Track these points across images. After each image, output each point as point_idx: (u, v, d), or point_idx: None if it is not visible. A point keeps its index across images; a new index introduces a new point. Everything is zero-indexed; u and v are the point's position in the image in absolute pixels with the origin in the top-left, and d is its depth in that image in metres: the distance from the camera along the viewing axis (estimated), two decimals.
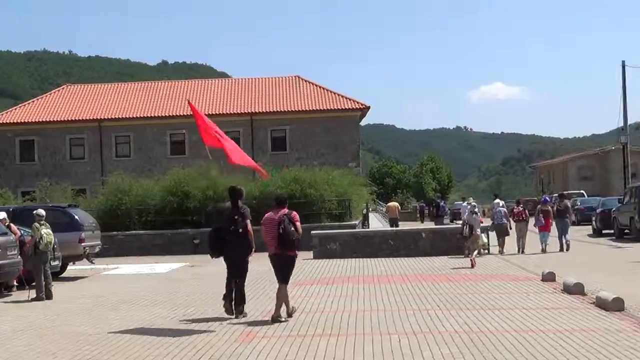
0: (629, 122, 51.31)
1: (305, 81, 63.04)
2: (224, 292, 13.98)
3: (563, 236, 28.94)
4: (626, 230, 34.99)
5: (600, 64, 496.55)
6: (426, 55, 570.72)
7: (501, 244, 28.57)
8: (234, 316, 13.69)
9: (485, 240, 27.73)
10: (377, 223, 54.62)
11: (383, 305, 14.69)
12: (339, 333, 11.85)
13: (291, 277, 13.98)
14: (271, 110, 59.04)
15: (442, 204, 49.34)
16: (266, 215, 13.90)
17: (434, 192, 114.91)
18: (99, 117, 59.07)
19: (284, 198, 14.26)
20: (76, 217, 24.27)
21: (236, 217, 13.85)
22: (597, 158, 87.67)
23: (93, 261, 24.77)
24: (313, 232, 29.14)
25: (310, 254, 27.63)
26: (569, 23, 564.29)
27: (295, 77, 63.94)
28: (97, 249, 25.22)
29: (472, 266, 22.63)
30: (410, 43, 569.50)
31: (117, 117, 59.22)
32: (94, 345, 11.47)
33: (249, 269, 14.30)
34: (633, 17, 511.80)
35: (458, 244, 26.82)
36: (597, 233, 38.91)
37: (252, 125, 58.55)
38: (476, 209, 25.71)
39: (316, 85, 62.35)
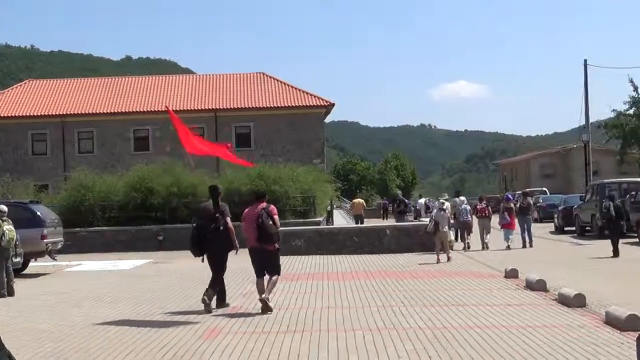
0: (591, 120, 51.88)
1: (270, 78, 62.95)
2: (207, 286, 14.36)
3: (526, 233, 29.42)
4: (587, 228, 35.38)
5: (562, 62, 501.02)
6: (390, 53, 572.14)
7: (465, 241, 28.91)
8: (209, 308, 13.97)
9: (452, 237, 28.09)
10: (341, 220, 54.66)
11: (347, 302, 14.73)
12: (304, 329, 11.86)
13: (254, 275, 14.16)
14: (235, 106, 58.89)
15: (406, 200, 49.52)
16: (246, 210, 14.27)
17: (397, 189, 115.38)
18: (61, 113, 58.50)
19: (262, 193, 14.91)
20: (38, 213, 24.03)
21: (217, 215, 14.22)
22: (559, 156, 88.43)
23: (55, 258, 24.53)
24: None
25: None
26: (532, 21, 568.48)
27: (260, 73, 63.81)
28: (59, 246, 24.98)
29: (438, 262, 23.20)
30: (375, 40, 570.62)
31: (80, 112, 58.69)
32: (57, 342, 11.38)
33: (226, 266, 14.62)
34: (596, 17, 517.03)
35: (422, 240, 26.99)
36: (559, 230, 39.30)
37: (216, 121, 58.35)
38: (444, 207, 25.89)
39: (281, 82, 62.28)
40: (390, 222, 44.22)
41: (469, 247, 28.36)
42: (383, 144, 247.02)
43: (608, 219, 25.70)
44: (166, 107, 19.33)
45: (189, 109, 58.20)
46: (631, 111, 55.64)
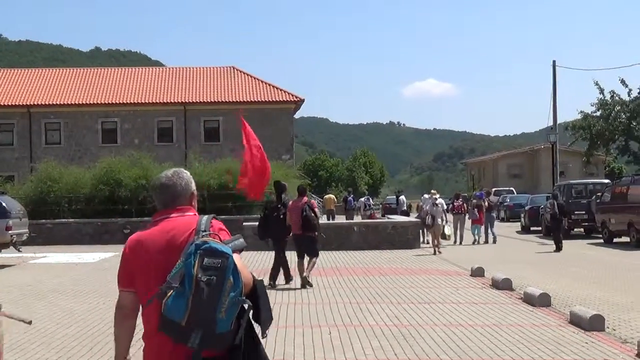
0: (559, 121, 52.21)
1: (241, 72, 62.72)
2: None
3: (490, 229, 31.51)
4: None
5: (532, 63, 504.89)
6: (361, 51, 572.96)
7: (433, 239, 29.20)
8: (273, 283, 16.83)
9: (449, 231, 29.34)
10: None
11: (314, 298, 14.73)
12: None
13: None
14: (205, 100, 58.59)
15: (349, 198, 50.09)
16: (290, 203, 17.17)
17: (366, 186, 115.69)
18: (28, 103, 57.88)
19: (303, 189, 17.84)
20: (3, 204, 23.80)
21: (279, 206, 17.20)
22: (526, 156, 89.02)
23: (20, 249, 24.32)
24: (245, 223, 29.06)
25: None
26: (503, 22, 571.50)
27: (230, 67, 63.59)
28: (24, 237, 24.78)
29: (435, 253, 25.46)
30: (346, 38, 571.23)
31: (47, 103, 58.03)
32: (20, 335, 11.26)
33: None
34: (565, 18, 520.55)
35: (389, 237, 27.17)
36: (525, 230, 39.57)
37: (185, 114, 58.08)
38: (437, 202, 27.49)
39: (251, 77, 62.08)
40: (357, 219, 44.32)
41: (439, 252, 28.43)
42: (352, 141, 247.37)
43: (552, 216, 27.53)
44: (240, 114, 20.05)
45: (158, 101, 57.91)
46: (598, 113, 56.10)
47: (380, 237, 28.12)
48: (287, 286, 16.83)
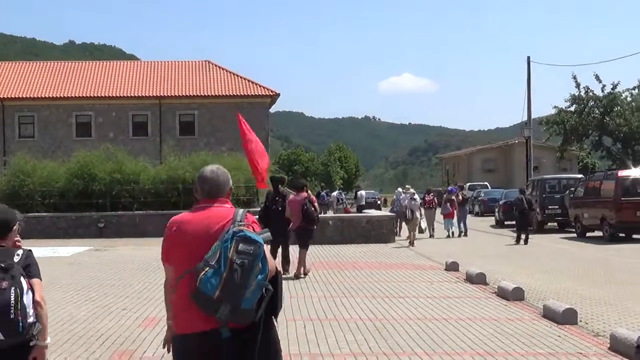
0: (533, 117, 52.47)
1: (216, 66, 62.52)
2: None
3: (462, 223, 32.61)
4: None
5: (507, 59, 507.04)
6: (337, 45, 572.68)
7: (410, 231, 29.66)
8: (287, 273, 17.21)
9: (424, 225, 30.50)
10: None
11: (289, 292, 14.72)
12: None
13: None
14: (180, 94, 58.38)
15: (322, 193, 50.33)
16: (291, 197, 17.78)
17: (341, 180, 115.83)
18: (1, 96, 57.37)
19: (302, 184, 18.56)
20: None
21: (277, 198, 17.72)
22: (500, 151, 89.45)
23: None
24: None
25: None
26: (478, 19, 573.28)
27: (205, 61, 63.36)
28: None
29: (410, 245, 26.72)
30: (322, 32, 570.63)
31: (20, 96, 57.62)
32: None
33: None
34: (539, 15, 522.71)
35: (364, 232, 27.29)
36: (499, 224, 39.79)
37: (160, 108, 57.87)
38: (415, 196, 29.04)
39: (226, 71, 61.91)
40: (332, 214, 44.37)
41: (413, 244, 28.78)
42: (327, 135, 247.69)
43: (520, 211, 28.56)
44: (238, 114, 20.14)
45: (133, 95, 57.64)
46: (572, 108, 56.44)
47: (355, 231, 28.17)
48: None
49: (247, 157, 19.37)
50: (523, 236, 28.01)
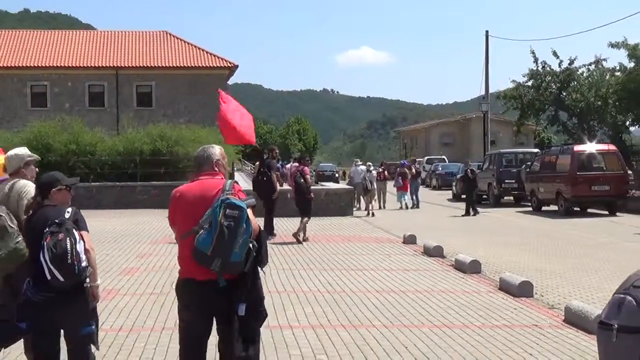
0: (491, 91, 52.73)
1: (174, 37, 61.91)
2: None
3: (415, 196, 34.24)
4: (484, 196, 36.15)
5: (465, 33, 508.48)
6: (295, 17, 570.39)
7: (367, 202, 30.73)
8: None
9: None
10: (242, 183, 54.53)
11: None
12: None
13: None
14: (137, 65, 57.74)
15: (278, 165, 50.51)
16: (290, 169, 20.09)
17: (299, 153, 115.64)
18: None
19: (300, 156, 21.25)
20: None
21: (262, 169, 19.25)
22: (458, 125, 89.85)
23: None
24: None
25: None
26: None
27: (163, 32, 62.73)
28: None
29: (369, 215, 28.77)
30: (281, 4, 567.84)
31: None
32: None
33: None
34: None
35: (322, 205, 27.31)
36: (456, 198, 40.02)
37: (117, 79, 57.20)
38: (371, 168, 31.86)
39: (184, 42, 61.34)
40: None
41: (373, 214, 29.35)
42: (286, 108, 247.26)
43: (465, 182, 30.62)
44: (219, 90, 18.99)
45: (89, 65, 56.92)
46: (530, 83, 56.75)
47: (313, 204, 28.12)
48: None
49: (220, 115, 17.82)
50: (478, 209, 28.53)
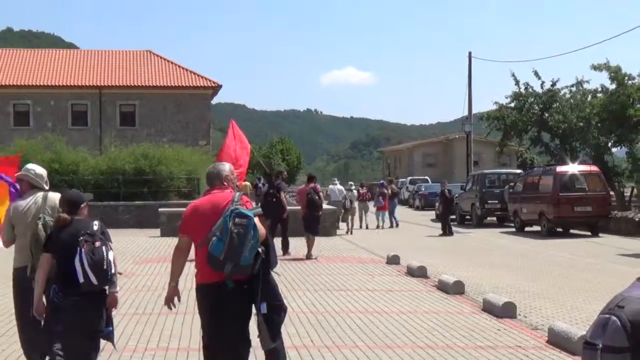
0: (473, 111, 52.93)
1: (157, 56, 61.80)
2: None
3: (392, 215, 34.88)
4: (467, 217, 36.22)
5: (448, 54, 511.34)
6: (280, 38, 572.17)
7: (348, 221, 31.43)
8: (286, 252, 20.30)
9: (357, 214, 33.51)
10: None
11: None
12: (186, 311, 11.72)
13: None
14: (121, 84, 57.56)
15: (259, 184, 50.58)
16: (300, 187, 21.53)
17: (278, 170, 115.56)
18: None
19: (312, 176, 22.12)
20: None
21: (271, 190, 20.11)
22: (441, 145, 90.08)
23: None
24: (161, 209, 28.80)
25: (158, 231, 27.25)
26: (419, 14, 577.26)
27: (146, 51, 62.64)
28: None
29: (347, 233, 29.90)
30: (265, 24, 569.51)
31: None
32: None
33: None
34: (481, 12, 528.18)
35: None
36: (439, 218, 40.06)
37: (100, 98, 56.97)
38: (352, 188, 33.66)
39: (168, 61, 61.23)
40: None
41: (351, 233, 29.74)
42: (269, 128, 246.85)
43: (444, 203, 30.92)
44: (231, 120, 22.98)
45: (72, 84, 56.70)
46: (513, 104, 56.93)
47: (296, 223, 28.07)
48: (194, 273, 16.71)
49: (222, 152, 20.57)
50: (462, 230, 28.58)
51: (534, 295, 13.97)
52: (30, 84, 56.54)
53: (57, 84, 56.75)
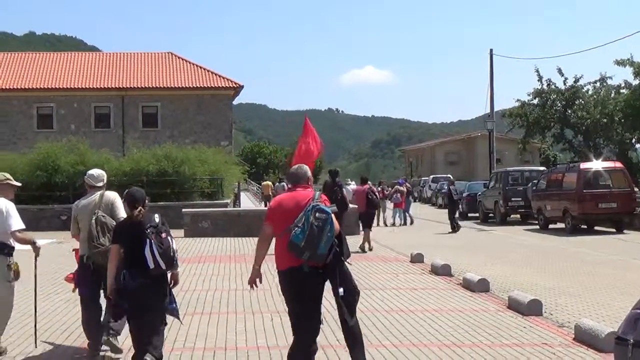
0: (496, 109, 52.70)
1: (179, 58, 61.96)
2: None
3: (407, 212, 36.20)
4: (490, 214, 36.11)
5: (470, 51, 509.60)
6: (300, 38, 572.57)
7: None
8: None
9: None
10: (248, 202, 54.67)
11: (262, 286, 14.67)
12: (211, 311, 11.80)
13: None
14: (143, 86, 57.74)
15: (281, 184, 50.81)
16: (356, 187, 24.22)
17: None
18: None
19: (365, 178, 24.56)
20: None
21: (335, 188, 20.29)
22: (463, 143, 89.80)
23: None
24: (184, 210, 28.91)
25: (182, 232, 27.34)
26: (440, 11, 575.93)
27: (168, 53, 62.81)
28: None
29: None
30: (285, 25, 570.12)
31: None
32: None
33: None
34: (503, 8, 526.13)
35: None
36: (463, 216, 39.97)
37: (123, 100, 57.23)
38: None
39: (190, 63, 61.38)
40: None
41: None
42: (290, 127, 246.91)
43: (449, 199, 32.00)
44: (305, 116, 22.63)
45: (95, 87, 57.01)
46: (535, 101, 56.74)
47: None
48: (224, 273, 16.76)
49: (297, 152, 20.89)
50: (485, 227, 28.50)
51: (559, 292, 13.92)
52: (54, 87, 56.87)
53: (80, 86, 57.07)
